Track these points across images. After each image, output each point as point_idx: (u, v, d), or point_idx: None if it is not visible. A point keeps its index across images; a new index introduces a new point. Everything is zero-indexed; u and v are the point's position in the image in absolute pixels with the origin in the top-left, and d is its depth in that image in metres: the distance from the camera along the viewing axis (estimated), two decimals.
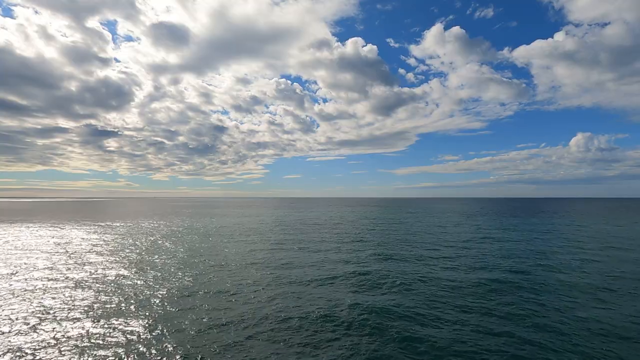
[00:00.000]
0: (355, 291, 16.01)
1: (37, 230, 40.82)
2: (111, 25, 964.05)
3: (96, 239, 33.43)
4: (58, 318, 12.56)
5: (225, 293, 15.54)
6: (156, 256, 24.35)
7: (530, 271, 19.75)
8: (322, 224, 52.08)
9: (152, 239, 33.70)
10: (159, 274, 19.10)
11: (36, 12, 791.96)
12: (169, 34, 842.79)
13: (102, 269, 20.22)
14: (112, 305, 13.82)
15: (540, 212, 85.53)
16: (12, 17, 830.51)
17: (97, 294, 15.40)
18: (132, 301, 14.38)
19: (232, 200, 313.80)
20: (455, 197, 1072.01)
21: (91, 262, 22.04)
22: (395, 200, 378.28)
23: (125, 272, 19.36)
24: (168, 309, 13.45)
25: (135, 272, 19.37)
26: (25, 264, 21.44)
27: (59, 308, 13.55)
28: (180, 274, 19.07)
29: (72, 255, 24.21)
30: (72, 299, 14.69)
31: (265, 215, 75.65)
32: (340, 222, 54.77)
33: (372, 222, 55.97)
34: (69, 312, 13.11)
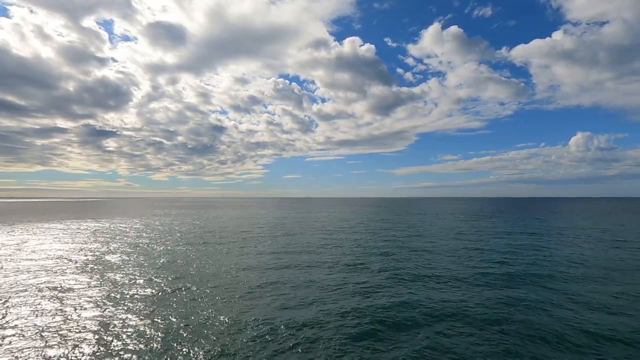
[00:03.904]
0: None
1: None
2: (107, 25, 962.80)
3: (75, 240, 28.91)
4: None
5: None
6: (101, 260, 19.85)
7: None
8: (335, 229, 47.57)
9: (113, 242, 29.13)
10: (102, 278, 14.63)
11: (32, 11, 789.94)
12: (166, 33, 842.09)
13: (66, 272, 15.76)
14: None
15: (553, 213, 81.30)
16: (7, 16, 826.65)
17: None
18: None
19: (231, 200, 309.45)
20: (455, 196, 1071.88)
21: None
22: (395, 200, 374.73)
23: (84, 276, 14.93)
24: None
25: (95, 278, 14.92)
26: None
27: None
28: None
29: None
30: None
31: (267, 217, 71.10)
32: (348, 227, 50.29)
33: (381, 225, 51.49)
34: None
